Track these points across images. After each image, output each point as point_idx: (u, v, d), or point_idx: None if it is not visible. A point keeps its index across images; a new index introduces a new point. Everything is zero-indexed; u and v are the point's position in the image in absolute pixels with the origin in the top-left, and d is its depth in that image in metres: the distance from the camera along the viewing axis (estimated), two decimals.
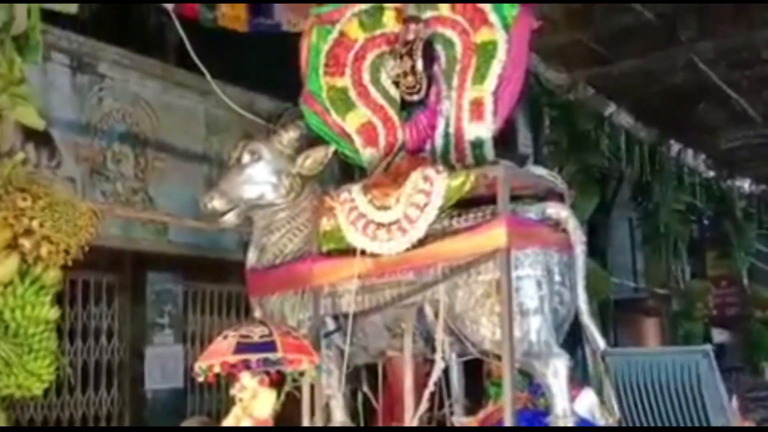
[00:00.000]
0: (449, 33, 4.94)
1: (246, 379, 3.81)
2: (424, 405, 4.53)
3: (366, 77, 5.11)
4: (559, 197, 4.78)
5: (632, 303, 12.50)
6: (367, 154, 5.04)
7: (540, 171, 5.03)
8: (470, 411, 5.21)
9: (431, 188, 4.41)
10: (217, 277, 7.18)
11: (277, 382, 4.01)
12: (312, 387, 4.72)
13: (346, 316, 4.69)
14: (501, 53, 4.75)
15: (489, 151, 4.77)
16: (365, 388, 5.13)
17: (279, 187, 4.93)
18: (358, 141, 5.05)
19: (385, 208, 4.56)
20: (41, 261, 4.43)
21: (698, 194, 12.80)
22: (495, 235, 4.31)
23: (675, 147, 11.96)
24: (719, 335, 13.52)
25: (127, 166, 6.55)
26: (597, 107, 10.00)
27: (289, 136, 4.99)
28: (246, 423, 3.83)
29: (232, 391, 3.87)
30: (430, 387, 4.53)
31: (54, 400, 6.17)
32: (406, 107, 4.98)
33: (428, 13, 4.96)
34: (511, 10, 4.79)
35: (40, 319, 4.43)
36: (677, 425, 4.49)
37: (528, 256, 4.37)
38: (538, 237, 4.47)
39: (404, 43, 4.92)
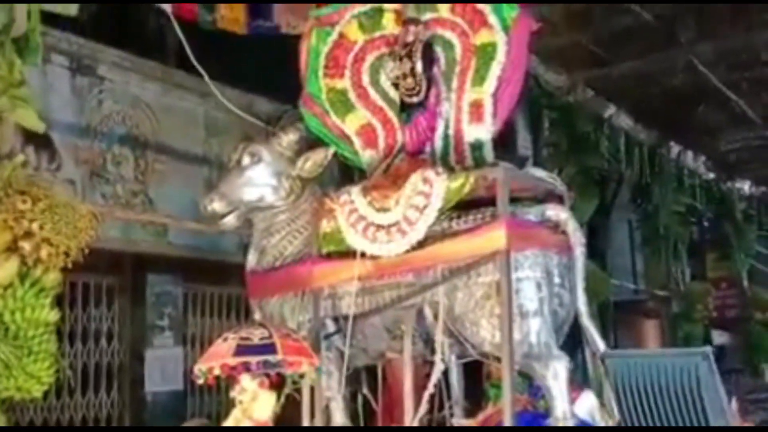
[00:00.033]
0: (449, 35, 4.94)
1: (246, 381, 3.81)
2: (424, 407, 4.53)
3: (365, 79, 5.11)
4: (559, 199, 4.78)
5: (632, 305, 12.50)
6: (366, 156, 5.04)
7: (539, 173, 5.02)
8: (470, 413, 5.20)
9: (431, 190, 4.41)
10: (217, 280, 7.18)
11: (277, 384, 4.01)
12: (312, 389, 4.72)
13: (346, 318, 4.69)
14: (500, 55, 4.75)
15: (488, 153, 4.76)
16: (365, 390, 5.13)
17: (279, 189, 4.92)
18: (357, 143, 5.05)
19: (385, 210, 4.56)
20: (41, 263, 4.43)
21: (698, 196, 12.81)
22: (494, 237, 4.31)
23: (675, 149, 11.97)
24: (719, 337, 13.52)
25: (127, 168, 6.55)
26: (596, 109, 10.01)
27: (289, 138, 4.98)
28: (246, 425, 3.83)
29: (232, 394, 3.87)
30: (430, 389, 4.53)
31: (54, 403, 6.17)
32: (405, 109, 4.98)
33: (428, 15, 4.96)
34: (511, 12, 4.79)
35: (40, 322, 4.43)
36: (677, 427, 4.49)
37: (527, 258, 4.37)
38: (537, 239, 4.47)
39: (404, 45, 4.92)
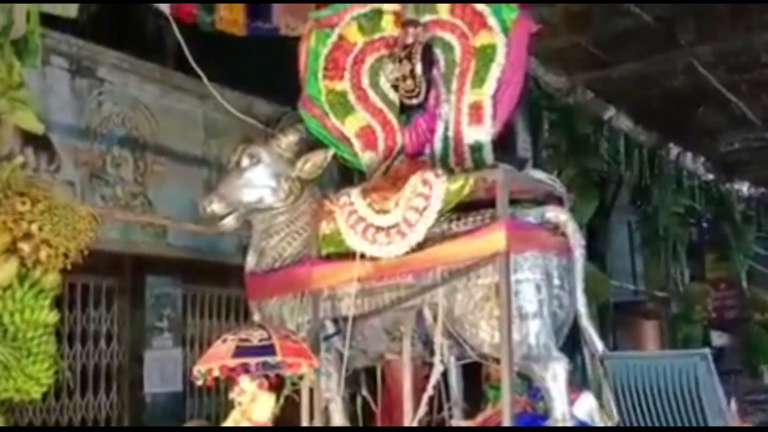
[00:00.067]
0: (448, 36, 4.94)
1: (245, 382, 3.81)
2: (423, 408, 4.53)
3: (365, 81, 5.12)
4: (558, 201, 4.78)
5: (631, 306, 12.51)
6: (366, 158, 5.04)
7: (539, 174, 5.03)
8: (469, 414, 5.20)
9: (430, 192, 4.42)
10: (216, 281, 7.18)
11: (276, 385, 4.01)
12: (311, 390, 4.72)
13: (345, 319, 4.69)
14: (500, 57, 4.76)
15: (488, 155, 4.77)
16: (364, 392, 5.12)
17: (278, 190, 4.92)
18: (357, 145, 5.05)
19: (385, 211, 4.56)
20: (40, 265, 4.43)
21: (697, 197, 12.81)
22: (494, 238, 4.31)
23: (674, 150, 11.97)
24: (718, 338, 13.52)
25: (127, 169, 6.55)
26: (596, 111, 10.01)
27: (288, 139, 4.98)
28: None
29: (231, 395, 3.86)
30: (429, 390, 4.53)
31: (53, 404, 6.17)
32: (405, 111, 4.98)
33: (427, 17, 4.96)
34: (510, 14, 4.79)
35: (39, 323, 4.43)
36: (676, 427, 4.49)
37: (527, 259, 4.37)
38: (537, 240, 4.47)
39: (403, 47, 4.92)
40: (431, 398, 4.59)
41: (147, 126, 6.70)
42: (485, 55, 4.78)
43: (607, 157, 10.14)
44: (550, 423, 4.28)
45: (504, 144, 5.14)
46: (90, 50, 6.31)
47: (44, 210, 4.39)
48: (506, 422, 4.24)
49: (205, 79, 5.64)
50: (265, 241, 5.02)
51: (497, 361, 4.34)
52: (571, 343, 4.68)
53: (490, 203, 4.41)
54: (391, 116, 5.05)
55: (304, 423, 4.74)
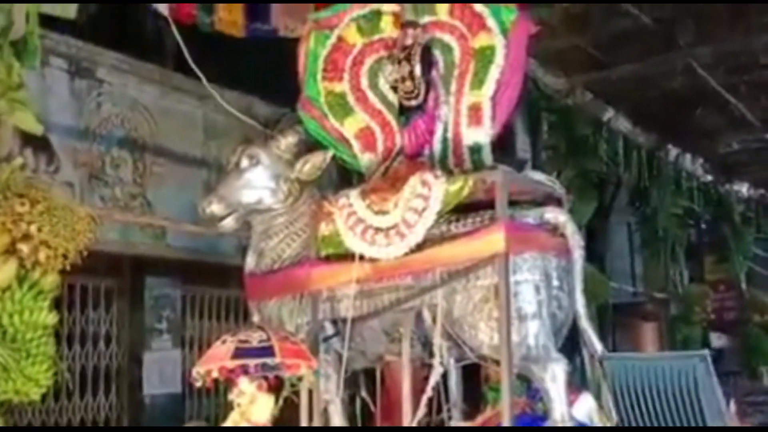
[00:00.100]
0: (447, 38, 4.95)
1: (244, 384, 3.80)
2: (422, 410, 4.53)
3: (364, 82, 5.12)
4: (558, 202, 4.78)
5: (630, 307, 12.50)
6: (365, 159, 5.04)
7: (538, 176, 5.03)
8: (468, 416, 5.20)
9: (429, 193, 4.42)
10: (215, 282, 7.17)
11: (276, 387, 4.00)
12: (310, 392, 4.72)
13: (344, 320, 4.69)
14: (499, 58, 4.76)
15: (487, 156, 4.77)
16: (363, 393, 5.13)
17: (277, 191, 4.92)
18: (356, 146, 5.06)
19: (384, 212, 4.56)
20: (39, 266, 4.43)
21: (696, 199, 12.83)
22: (493, 240, 4.32)
23: (673, 151, 11.99)
24: (717, 339, 13.52)
25: (126, 170, 6.54)
26: (595, 112, 10.02)
27: (288, 141, 4.98)
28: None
29: (231, 396, 3.86)
30: (428, 392, 4.53)
31: (52, 405, 6.16)
32: (404, 112, 4.98)
33: (426, 18, 4.97)
34: (509, 15, 4.80)
35: (38, 324, 4.43)
36: (676, 428, 4.50)
37: (526, 260, 4.38)
38: (536, 242, 4.47)
39: (402, 48, 4.92)
40: (430, 399, 4.59)
41: (146, 127, 6.70)
42: (484, 56, 4.79)
43: (606, 158, 10.15)
44: (549, 424, 4.29)
45: (503, 145, 5.15)
46: (89, 51, 6.31)
47: (43, 211, 4.39)
48: (506, 423, 4.24)
49: (204, 80, 5.64)
50: (264, 242, 5.02)
51: (496, 362, 4.35)
52: (571, 344, 4.68)
53: (489, 204, 4.41)
54: (390, 117, 5.05)
55: (303, 424, 4.75)
